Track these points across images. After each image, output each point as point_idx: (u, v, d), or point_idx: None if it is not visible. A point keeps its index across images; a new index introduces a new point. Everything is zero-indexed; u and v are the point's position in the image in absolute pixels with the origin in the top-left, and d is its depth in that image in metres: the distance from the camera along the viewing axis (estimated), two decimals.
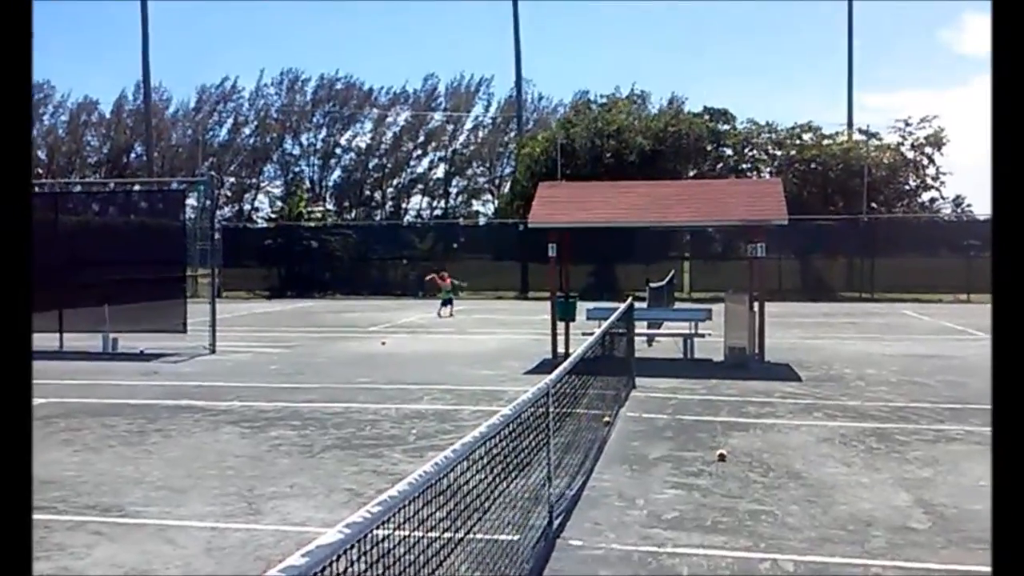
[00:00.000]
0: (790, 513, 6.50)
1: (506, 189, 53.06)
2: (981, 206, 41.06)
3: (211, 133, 58.09)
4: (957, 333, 20.83)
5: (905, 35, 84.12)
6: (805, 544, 5.83)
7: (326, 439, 9.13)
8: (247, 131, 59.26)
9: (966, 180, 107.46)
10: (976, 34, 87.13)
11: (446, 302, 26.16)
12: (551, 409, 6.01)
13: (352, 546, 2.91)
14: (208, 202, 22.17)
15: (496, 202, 57.67)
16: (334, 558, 2.78)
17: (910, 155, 39.78)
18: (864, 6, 71.44)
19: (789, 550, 5.70)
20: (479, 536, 4.57)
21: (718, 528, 6.16)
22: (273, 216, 47.30)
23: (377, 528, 3.14)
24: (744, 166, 40.45)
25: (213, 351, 16.54)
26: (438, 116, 59.04)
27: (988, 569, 5.41)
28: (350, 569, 2.92)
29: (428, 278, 28.62)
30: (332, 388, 12.47)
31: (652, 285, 20.41)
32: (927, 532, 6.09)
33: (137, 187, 32.78)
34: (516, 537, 5.30)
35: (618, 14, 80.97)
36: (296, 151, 59.08)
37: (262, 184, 59.12)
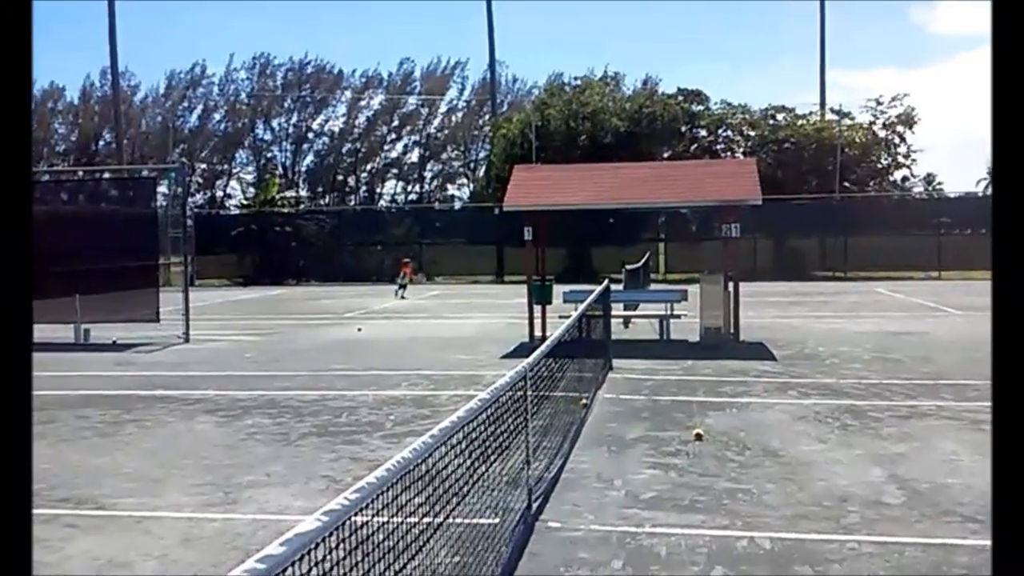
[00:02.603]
0: (766, 491, 6.56)
1: (481, 173, 52.95)
2: (952, 184, 41.50)
3: (181, 119, 57.36)
4: (929, 310, 21.09)
5: (877, 14, 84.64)
6: (782, 521, 5.89)
7: (303, 427, 9.09)
8: (218, 117, 58.61)
9: (937, 158, 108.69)
10: (947, 13, 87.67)
11: (402, 286, 28.24)
12: (529, 392, 6.01)
13: (331, 534, 2.90)
14: (179, 189, 21.93)
15: (471, 186, 57.55)
16: (312, 546, 2.77)
17: (882, 134, 40.17)
18: None
19: (766, 527, 5.76)
20: (458, 520, 4.57)
21: (696, 507, 6.21)
22: (246, 202, 46.86)
23: (355, 515, 3.12)
24: (718, 147, 40.63)
25: (187, 340, 16.39)
26: (412, 100, 58.68)
27: (960, 541, 5.51)
28: (329, 557, 2.91)
29: (405, 261, 29.88)
30: (308, 375, 12.41)
31: (628, 267, 20.46)
32: (901, 507, 6.17)
33: (107, 175, 32.34)
34: (495, 521, 5.30)
35: None
36: (268, 136, 58.55)
37: (234, 170, 58.56)
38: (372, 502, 3.33)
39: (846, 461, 7.41)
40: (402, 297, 27.24)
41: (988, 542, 5.43)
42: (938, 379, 11.26)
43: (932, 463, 7.28)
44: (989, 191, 69.19)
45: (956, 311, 20.39)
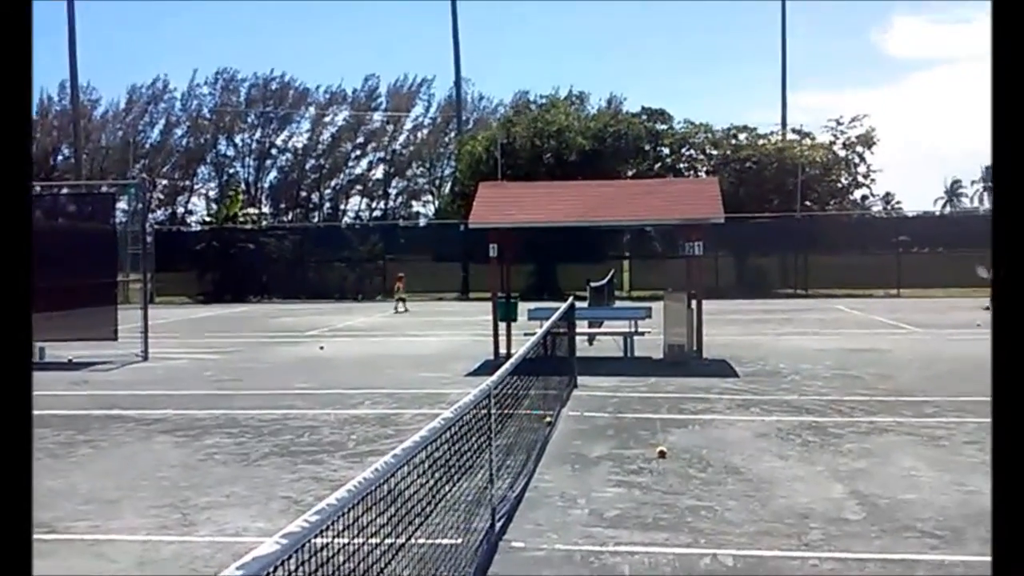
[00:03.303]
0: (729, 508, 6.58)
1: (447, 189, 52.96)
2: (910, 203, 42.33)
3: (142, 134, 56.72)
4: (888, 327, 21.42)
5: (838, 36, 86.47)
6: (744, 538, 5.91)
7: (263, 447, 8.96)
8: (180, 132, 58.11)
9: (895, 178, 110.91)
10: (905, 35, 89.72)
11: (400, 299, 29.34)
12: (493, 411, 5.99)
13: (290, 556, 2.85)
14: (140, 205, 21.67)
15: (437, 203, 57.53)
16: (271, 569, 2.72)
17: (842, 153, 40.84)
18: (797, 7, 73.29)
19: (729, 545, 5.77)
20: (421, 541, 4.52)
21: (659, 525, 6.21)
22: (208, 219, 46.33)
23: (316, 537, 3.07)
24: (682, 165, 41.00)
25: (146, 358, 16.11)
26: (377, 116, 58.60)
27: (918, 556, 5.56)
28: None
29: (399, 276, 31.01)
30: (269, 394, 12.25)
31: (592, 284, 20.52)
32: (861, 523, 6.22)
33: (65, 190, 31.78)
34: (458, 541, 5.26)
35: (556, 15, 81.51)
36: (231, 152, 58.13)
37: (196, 186, 57.97)
38: (333, 523, 3.28)
39: (807, 477, 7.47)
40: (404, 310, 28.40)
41: (945, 557, 5.50)
42: (897, 395, 11.42)
43: (891, 479, 7.36)
44: (947, 210, 70.81)
45: (915, 328, 20.74)
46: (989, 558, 5.46)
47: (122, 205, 22.07)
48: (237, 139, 57.89)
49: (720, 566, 5.42)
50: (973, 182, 79.03)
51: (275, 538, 2.82)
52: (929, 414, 10.10)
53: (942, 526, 6.07)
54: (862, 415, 10.17)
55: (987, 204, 73.69)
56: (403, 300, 29.23)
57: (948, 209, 72.54)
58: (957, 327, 20.53)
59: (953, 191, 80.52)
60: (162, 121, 57.99)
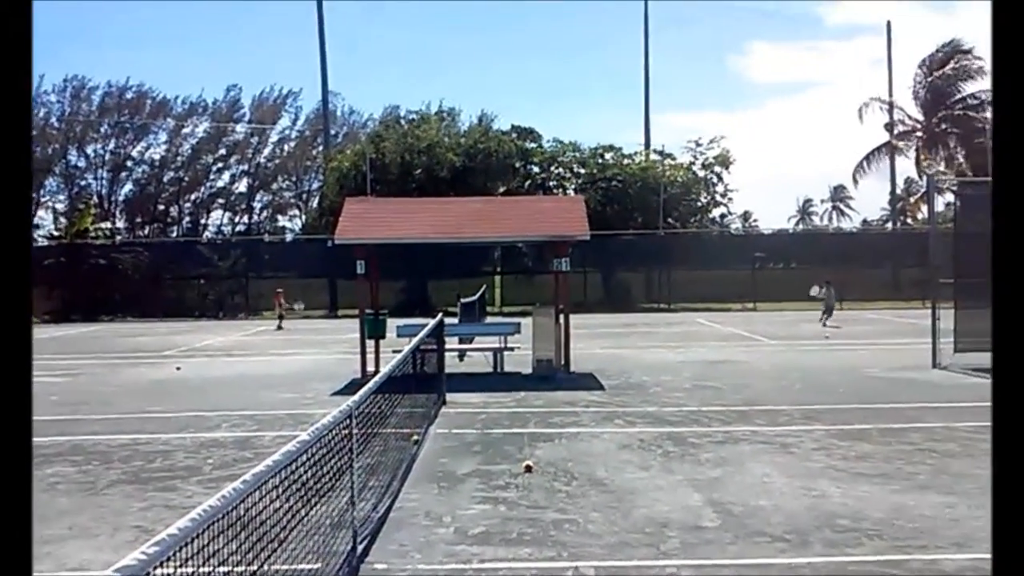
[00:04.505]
0: (591, 520, 6.67)
1: (314, 204, 51.88)
2: (766, 221, 44.61)
3: None
4: (745, 339, 22.42)
5: (697, 60, 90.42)
6: (605, 550, 6.00)
7: (111, 474, 8.45)
8: None
9: (753, 197, 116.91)
10: (760, 61, 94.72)
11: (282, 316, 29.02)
12: (355, 431, 5.85)
13: None
14: None
15: (304, 217, 56.24)
16: None
17: (701, 173, 42.63)
18: (660, 32, 76.18)
19: (590, 556, 5.84)
20: (276, 567, 4.35)
21: (523, 540, 6.22)
22: (56, 233, 43.65)
23: (156, 568, 2.90)
24: (551, 183, 41.78)
25: None
26: (240, 128, 56.77)
27: (771, 560, 5.79)
28: None
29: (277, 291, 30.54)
30: (119, 418, 11.59)
31: (463, 300, 20.54)
32: (716, 530, 6.43)
33: None
34: (317, 566, 5.10)
35: (426, 31, 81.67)
36: (82, 163, 54.83)
37: (43, 199, 54.34)
38: (176, 553, 3.11)
39: (667, 487, 7.67)
40: (279, 328, 27.57)
41: (795, 560, 5.75)
42: (752, 405, 11.93)
43: (745, 486, 7.66)
44: (800, 227, 74.90)
45: (769, 340, 21.80)
46: (832, 558, 5.73)
47: None
48: (89, 149, 54.73)
49: None
50: (822, 201, 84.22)
51: (110, 571, 2.64)
52: (781, 423, 10.59)
53: (791, 531, 6.35)
54: (719, 425, 10.55)
55: (835, 222, 78.52)
56: (283, 316, 28.63)
57: (800, 227, 76.95)
58: (807, 339, 21.72)
59: (805, 210, 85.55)
60: None
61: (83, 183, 54.62)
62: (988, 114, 39.86)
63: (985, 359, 10.78)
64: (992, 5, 2.89)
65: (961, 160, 43.75)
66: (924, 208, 40.21)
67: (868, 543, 6.07)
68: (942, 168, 43.71)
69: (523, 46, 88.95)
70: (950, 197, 29.13)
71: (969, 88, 44.35)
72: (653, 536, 6.28)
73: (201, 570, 3.38)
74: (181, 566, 3.18)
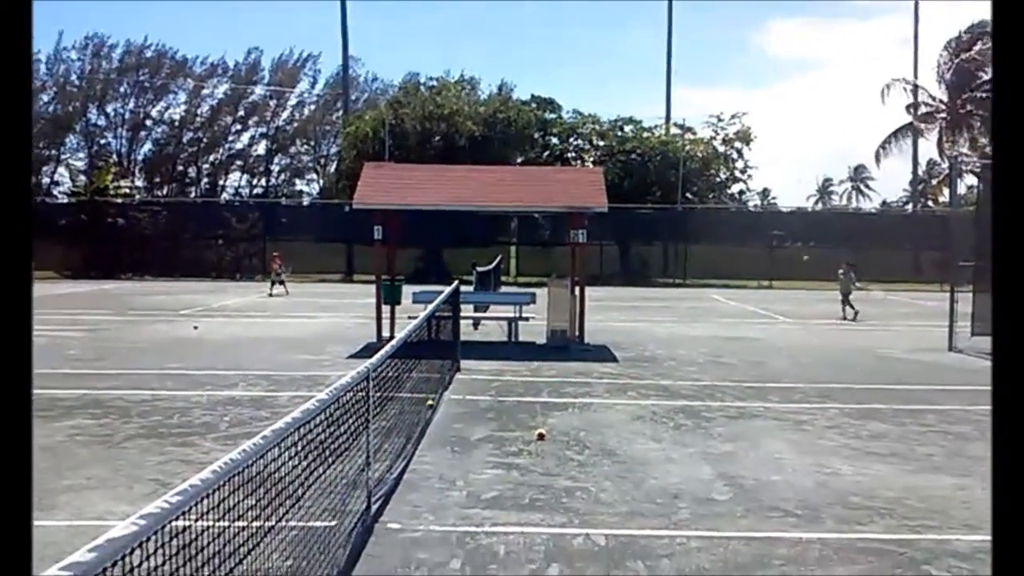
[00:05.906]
0: (604, 489, 6.72)
1: (332, 168, 51.88)
2: (785, 199, 44.37)
3: None
4: (760, 317, 22.36)
5: (721, 34, 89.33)
6: (617, 518, 6.04)
7: (129, 428, 8.56)
8: (45, 98, 54.46)
9: (773, 174, 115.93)
10: (781, 39, 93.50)
11: (275, 283, 27.49)
12: (371, 393, 5.89)
13: (148, 538, 2.72)
14: None
15: (321, 182, 56.30)
16: (127, 551, 2.59)
17: (721, 149, 42.26)
18: (684, 6, 75.25)
19: (601, 524, 5.89)
20: (292, 523, 4.41)
21: (535, 506, 6.27)
22: (76, 191, 43.88)
23: (177, 519, 2.94)
24: (569, 155, 41.56)
25: None
26: (259, 90, 56.67)
27: (780, 534, 5.81)
28: (146, 562, 2.73)
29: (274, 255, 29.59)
30: (138, 374, 11.72)
31: (479, 269, 20.57)
32: (727, 503, 6.46)
33: None
34: (332, 523, 5.16)
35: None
36: (102, 122, 54.98)
37: (63, 156, 54.63)
38: (196, 505, 3.15)
39: (679, 459, 7.70)
40: (284, 292, 26.85)
41: (805, 535, 5.77)
42: (766, 382, 11.92)
43: (758, 461, 7.68)
44: (819, 207, 74.32)
45: (784, 318, 21.73)
46: (843, 535, 5.76)
47: None
48: (109, 108, 54.83)
49: (592, 545, 5.52)
50: (841, 181, 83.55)
51: (130, 520, 2.68)
52: (795, 400, 10.59)
53: (802, 506, 6.37)
54: (732, 400, 10.56)
55: (855, 203, 77.86)
56: (282, 283, 27.36)
57: (819, 206, 76.38)
58: (823, 318, 21.63)
59: (824, 189, 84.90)
60: None
61: (103, 141, 54.85)
62: None
63: None
64: (992, 5, 2.87)
65: (985, 143, 43.14)
66: (946, 190, 39.73)
67: (879, 521, 6.08)
68: (965, 150, 43.15)
69: (545, 17, 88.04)
70: (972, 180, 28.79)
71: None
72: (664, 507, 6.32)
73: (219, 523, 3.42)
74: (200, 519, 3.23)
